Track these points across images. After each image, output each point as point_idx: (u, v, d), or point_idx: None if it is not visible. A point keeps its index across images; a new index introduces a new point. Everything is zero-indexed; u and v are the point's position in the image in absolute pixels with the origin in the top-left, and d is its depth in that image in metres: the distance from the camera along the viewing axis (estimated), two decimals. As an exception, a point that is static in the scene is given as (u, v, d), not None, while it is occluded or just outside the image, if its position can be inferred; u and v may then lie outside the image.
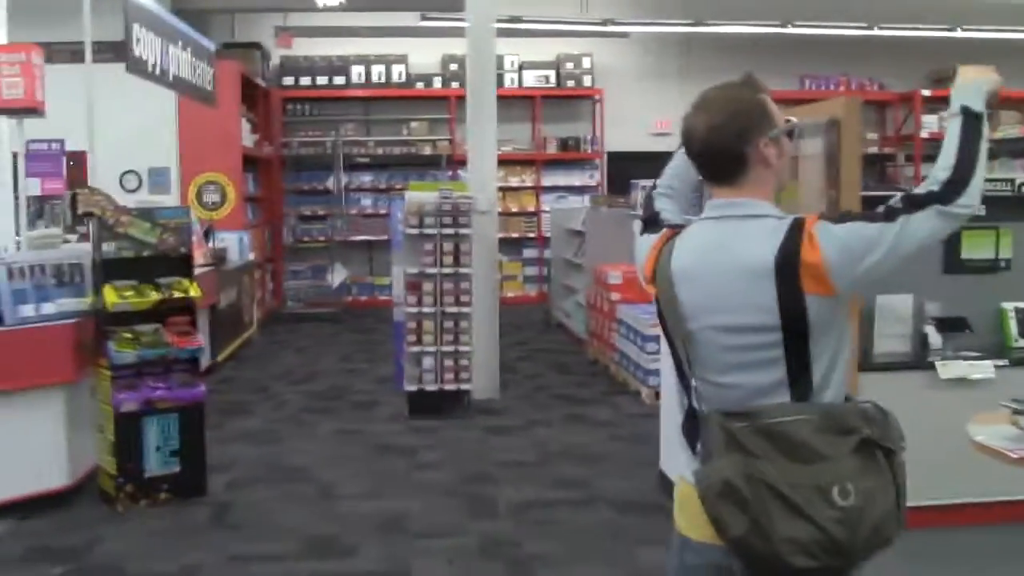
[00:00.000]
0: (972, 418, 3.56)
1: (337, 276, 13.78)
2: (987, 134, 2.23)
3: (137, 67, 7.36)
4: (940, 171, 2.18)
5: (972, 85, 2.26)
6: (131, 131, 11.47)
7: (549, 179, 15.18)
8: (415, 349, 7.71)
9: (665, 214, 2.59)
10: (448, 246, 7.64)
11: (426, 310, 7.67)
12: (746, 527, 2.08)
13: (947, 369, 4.71)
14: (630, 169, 12.47)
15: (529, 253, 15.23)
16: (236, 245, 11.62)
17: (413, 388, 7.76)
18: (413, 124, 15.00)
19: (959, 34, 13.85)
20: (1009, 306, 5.10)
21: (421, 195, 7.79)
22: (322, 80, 14.83)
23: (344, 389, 8.98)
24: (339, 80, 14.81)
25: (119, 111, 10.93)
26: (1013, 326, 5.04)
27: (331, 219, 14.50)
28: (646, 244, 2.51)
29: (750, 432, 2.12)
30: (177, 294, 5.76)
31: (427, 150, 14.84)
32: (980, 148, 2.20)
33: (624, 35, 14.51)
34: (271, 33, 14.07)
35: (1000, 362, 4.77)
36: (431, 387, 7.74)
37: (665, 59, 15.27)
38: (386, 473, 6.43)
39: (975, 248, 5.05)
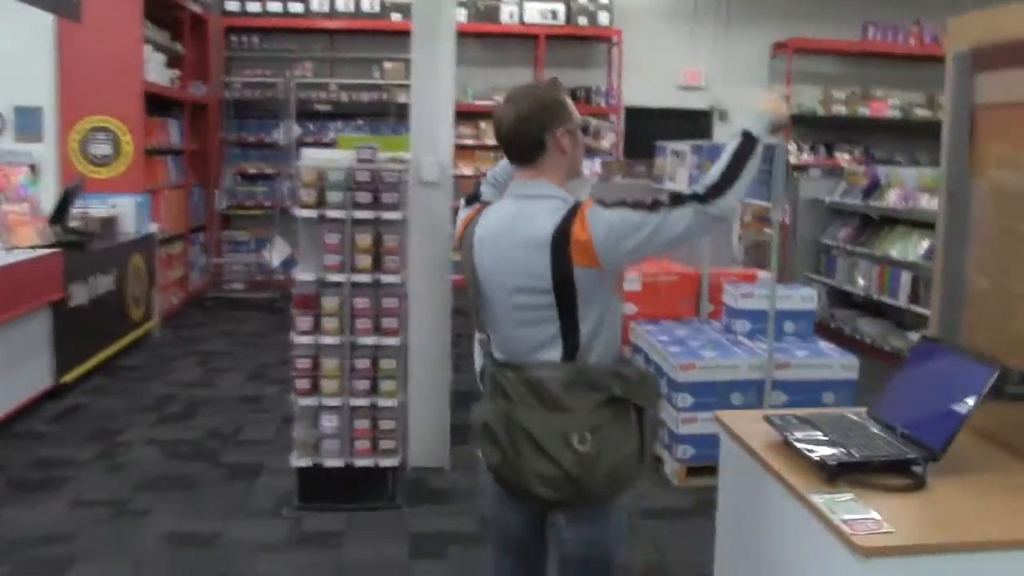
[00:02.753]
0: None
1: (278, 252, 10.83)
2: (759, 155, 2.57)
3: None
4: (707, 177, 2.55)
5: (763, 117, 2.63)
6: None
7: (553, 138, 12.18)
8: (308, 401, 4.82)
9: (485, 195, 2.95)
10: (365, 238, 4.74)
11: (327, 341, 4.77)
12: (499, 459, 2.56)
13: None
14: (653, 128, 9.96)
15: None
16: (132, 212, 8.81)
17: (306, 462, 4.88)
18: (387, 65, 12.02)
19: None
20: None
21: (327, 155, 4.88)
22: (275, 6, 11.84)
23: (228, 438, 6.10)
24: (296, 7, 11.83)
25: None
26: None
27: (279, 180, 11.57)
28: (462, 214, 2.87)
29: (516, 381, 2.55)
30: None
31: (403, 97, 11.81)
32: (747, 166, 2.55)
33: (652, -39, 11.46)
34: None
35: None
36: (333, 461, 4.86)
37: (700, -1, 12.38)
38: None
39: None
